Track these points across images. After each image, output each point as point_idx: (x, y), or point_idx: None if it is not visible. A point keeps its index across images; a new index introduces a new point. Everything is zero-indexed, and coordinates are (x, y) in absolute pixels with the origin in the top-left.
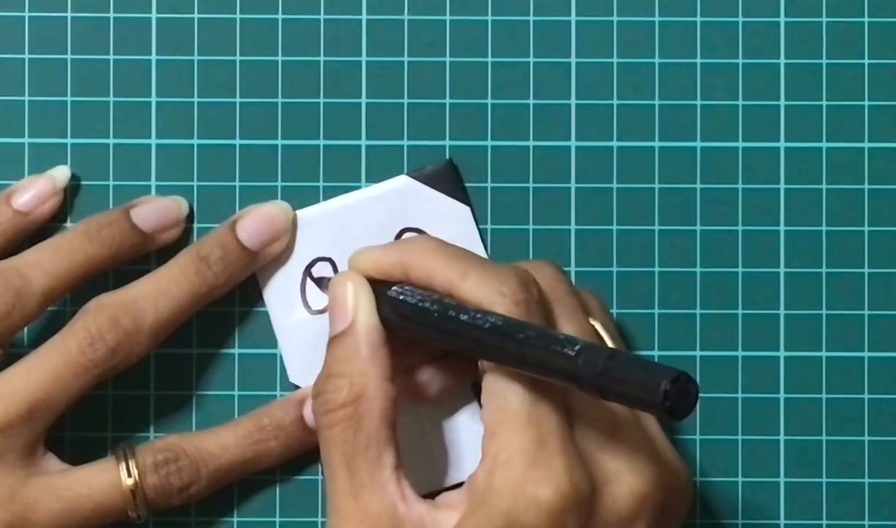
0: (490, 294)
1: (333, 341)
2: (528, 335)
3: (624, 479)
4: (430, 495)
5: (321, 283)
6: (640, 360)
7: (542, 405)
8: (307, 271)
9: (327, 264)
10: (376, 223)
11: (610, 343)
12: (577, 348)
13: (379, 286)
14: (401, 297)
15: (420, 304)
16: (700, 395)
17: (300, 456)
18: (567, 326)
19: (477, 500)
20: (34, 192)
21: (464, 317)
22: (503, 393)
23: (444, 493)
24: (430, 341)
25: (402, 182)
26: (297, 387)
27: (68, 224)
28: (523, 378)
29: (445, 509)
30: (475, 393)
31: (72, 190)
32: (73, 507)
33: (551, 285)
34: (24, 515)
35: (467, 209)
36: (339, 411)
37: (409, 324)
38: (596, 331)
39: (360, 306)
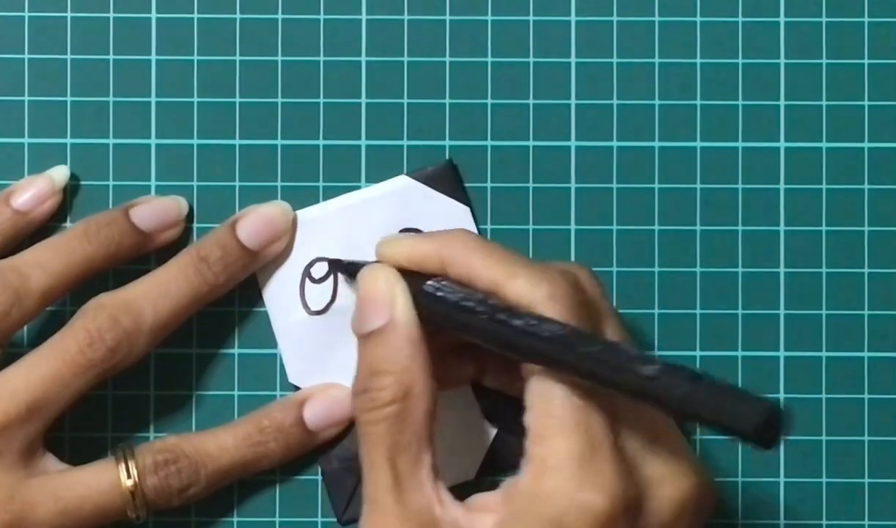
0: (540, 296)
1: (371, 337)
2: (594, 349)
3: (666, 484)
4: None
5: (350, 269)
6: (727, 386)
7: (590, 411)
8: (307, 272)
9: (325, 264)
10: (376, 224)
11: None
12: (657, 368)
13: (411, 278)
14: (439, 293)
15: (462, 303)
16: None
17: (300, 457)
18: (610, 331)
19: (522, 504)
20: (33, 191)
21: (517, 322)
22: (551, 397)
23: (477, 494)
24: (470, 341)
25: (402, 182)
26: (297, 388)
27: (68, 224)
28: (570, 382)
29: (481, 511)
30: (476, 393)
31: (72, 190)
32: (72, 507)
33: (589, 290)
34: (22, 515)
35: (467, 210)
36: (385, 409)
37: (447, 323)
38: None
39: (397, 302)
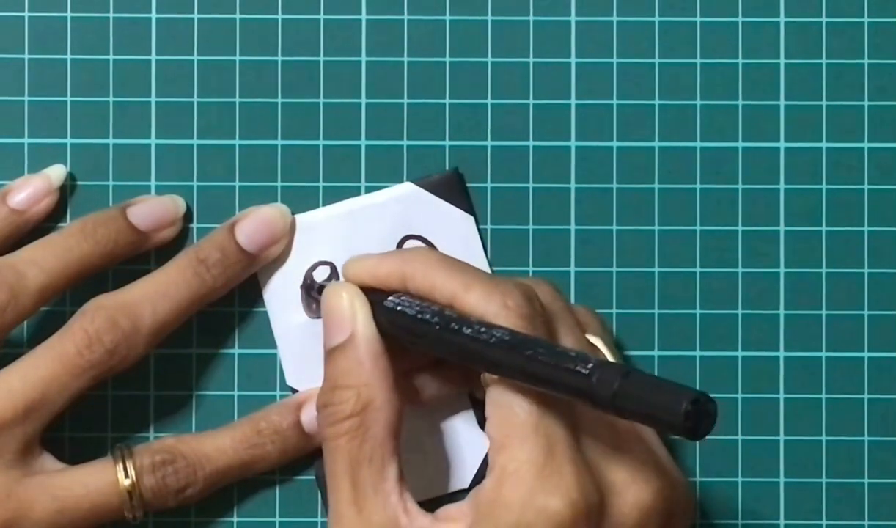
0: (493, 307)
1: (333, 352)
2: (536, 351)
3: (629, 490)
4: (422, 503)
5: (312, 290)
6: (655, 378)
7: (549, 416)
8: (308, 275)
9: (327, 268)
10: (379, 229)
11: (610, 359)
12: (590, 366)
13: (374, 295)
14: (398, 307)
15: (419, 315)
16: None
17: (298, 459)
18: (567, 342)
19: (484, 512)
20: (30, 190)
21: (467, 330)
22: (509, 405)
23: (445, 506)
24: (427, 352)
25: (408, 189)
26: (295, 390)
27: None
28: (529, 389)
29: (447, 522)
30: (472, 402)
31: (71, 190)
32: (69, 507)
33: (549, 303)
34: (20, 513)
35: (471, 219)
36: (345, 422)
37: (406, 335)
38: (594, 347)
39: (357, 317)
